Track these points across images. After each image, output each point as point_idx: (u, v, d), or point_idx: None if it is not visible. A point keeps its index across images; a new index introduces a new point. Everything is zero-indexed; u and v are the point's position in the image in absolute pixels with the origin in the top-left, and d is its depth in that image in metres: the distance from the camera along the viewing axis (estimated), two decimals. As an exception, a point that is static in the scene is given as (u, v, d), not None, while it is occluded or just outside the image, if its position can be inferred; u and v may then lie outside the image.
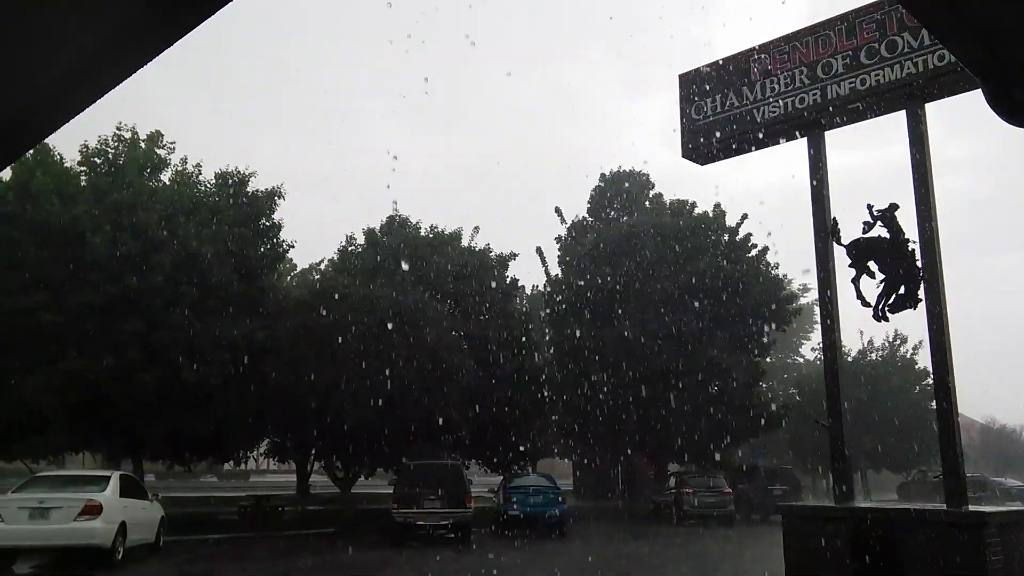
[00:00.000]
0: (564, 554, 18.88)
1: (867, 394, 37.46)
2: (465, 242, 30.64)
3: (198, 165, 25.14)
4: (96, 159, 23.37)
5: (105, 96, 1.65)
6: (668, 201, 35.48)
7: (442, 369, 24.15)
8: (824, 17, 13.15)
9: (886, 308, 11.66)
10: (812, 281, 14.82)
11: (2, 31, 1.44)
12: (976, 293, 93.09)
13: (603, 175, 39.79)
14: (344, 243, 31.04)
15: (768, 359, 36.73)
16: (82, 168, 23.31)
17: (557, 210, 37.50)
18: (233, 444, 27.37)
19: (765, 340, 32.10)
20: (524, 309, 32.28)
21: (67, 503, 14.31)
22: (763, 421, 30.89)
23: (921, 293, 11.37)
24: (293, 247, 26.74)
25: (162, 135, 24.26)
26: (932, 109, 12.71)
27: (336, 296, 24.18)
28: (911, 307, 11.61)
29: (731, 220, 32.35)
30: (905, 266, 11.57)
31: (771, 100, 13.01)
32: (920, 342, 39.55)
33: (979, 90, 2.11)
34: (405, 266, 26.85)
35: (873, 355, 43.74)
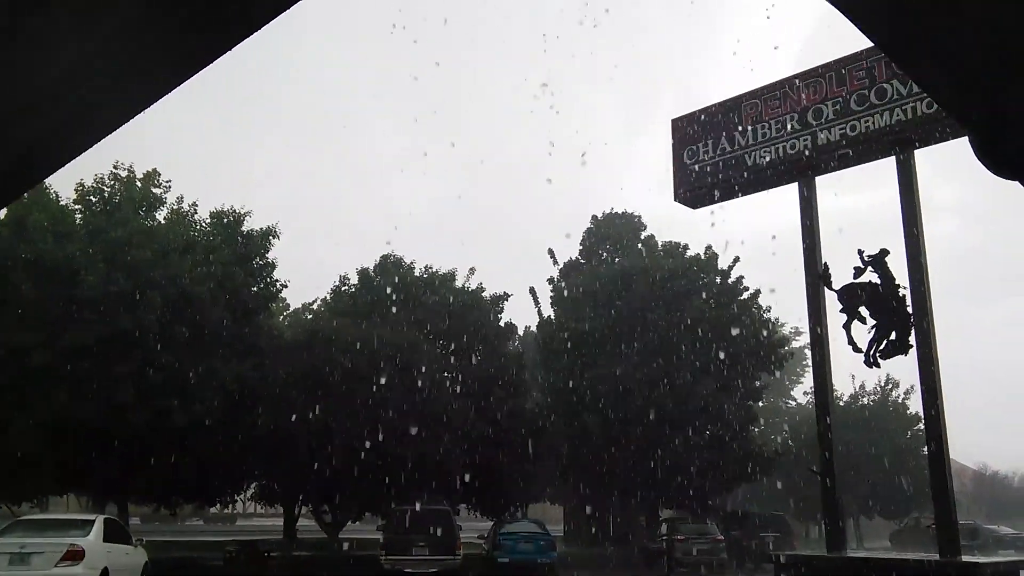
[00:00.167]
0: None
1: (859, 439, 37.31)
2: (460, 283, 30.66)
3: (194, 204, 25.24)
4: (92, 197, 23.42)
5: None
6: (660, 243, 35.63)
7: (434, 411, 24.00)
8: (815, 63, 13.43)
9: (877, 354, 11.71)
10: (804, 324, 14.99)
11: (8, 71, 1.45)
12: (966, 342, 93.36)
13: (595, 217, 39.97)
14: (337, 283, 31.03)
15: (760, 403, 36.61)
16: (77, 206, 23.35)
17: (550, 251, 37.60)
18: (221, 487, 27.01)
19: (757, 384, 32.06)
20: (518, 351, 32.19)
21: (49, 548, 14.05)
22: (754, 466, 30.68)
23: (912, 339, 11.43)
24: (287, 286, 26.74)
25: (159, 174, 24.38)
26: (923, 151, 12.93)
27: (329, 336, 24.10)
28: (902, 353, 11.66)
29: (723, 262, 32.48)
30: (896, 312, 11.64)
31: (762, 145, 13.17)
32: (912, 387, 39.53)
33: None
34: (394, 309, 26.81)
35: (865, 399, 43.67)
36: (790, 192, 13.05)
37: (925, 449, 14.84)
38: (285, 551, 27.18)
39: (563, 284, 35.99)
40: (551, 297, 36.03)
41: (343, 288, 30.77)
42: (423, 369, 24.09)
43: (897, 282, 11.67)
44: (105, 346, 20.77)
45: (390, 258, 30.73)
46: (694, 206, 14.43)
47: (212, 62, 1.58)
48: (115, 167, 23.75)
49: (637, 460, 28.56)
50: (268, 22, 1.54)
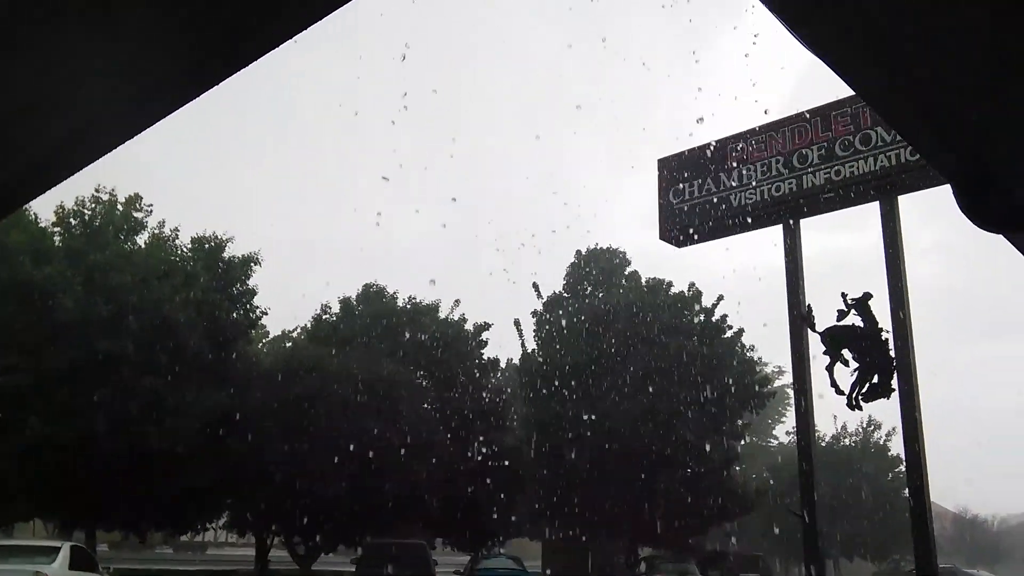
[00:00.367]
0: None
1: (841, 480, 37.24)
2: (443, 314, 30.53)
3: (175, 229, 25.04)
4: (72, 219, 23.20)
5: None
6: (644, 279, 35.67)
7: (413, 443, 23.75)
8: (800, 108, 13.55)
9: (860, 397, 11.68)
10: (787, 363, 14.99)
11: (10, 80, 1.39)
12: (948, 381, 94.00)
13: (579, 251, 40.03)
14: (319, 311, 30.81)
15: (743, 441, 36.50)
16: (56, 229, 23.11)
17: (534, 285, 37.55)
18: (194, 515, 26.53)
19: (740, 423, 31.97)
20: (501, 383, 32.02)
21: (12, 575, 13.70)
22: (735, 506, 30.49)
23: (894, 383, 11.41)
24: (267, 314, 26.51)
25: (140, 198, 24.20)
26: (909, 193, 13.02)
27: (308, 366, 23.87)
28: (884, 397, 11.63)
29: (707, 300, 32.51)
30: (878, 356, 11.63)
31: (748, 187, 13.23)
32: (893, 428, 39.61)
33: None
34: (376, 339, 26.65)
35: (847, 440, 43.67)
36: (775, 232, 13.13)
37: (906, 491, 14.77)
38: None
39: (548, 316, 35.92)
40: (534, 330, 35.93)
41: (324, 317, 30.56)
42: (403, 400, 23.88)
43: (880, 326, 11.69)
44: (81, 371, 20.45)
45: (373, 287, 30.60)
46: (679, 245, 14.46)
47: (221, 82, 1.52)
48: (97, 190, 23.58)
49: (617, 497, 28.30)
50: (283, 42, 1.48)
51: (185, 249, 25.17)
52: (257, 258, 25.65)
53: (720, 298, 32.41)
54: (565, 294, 39.41)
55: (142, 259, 23.05)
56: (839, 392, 12.18)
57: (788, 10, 1.45)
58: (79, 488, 21.22)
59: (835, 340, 12.08)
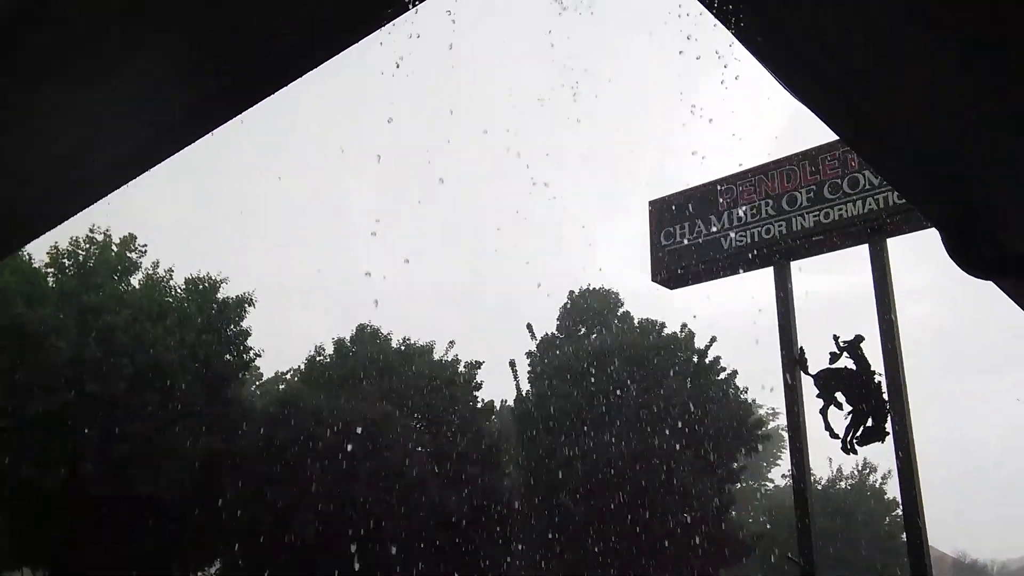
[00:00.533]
0: None
1: (837, 525, 36.90)
2: (438, 355, 30.45)
3: (170, 270, 25.05)
4: (65, 260, 23.20)
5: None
6: (637, 320, 35.69)
7: (406, 487, 23.49)
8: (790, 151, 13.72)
9: (854, 440, 11.65)
10: (780, 403, 14.93)
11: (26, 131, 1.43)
12: (942, 419, 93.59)
13: (571, 292, 40.13)
14: (313, 352, 30.68)
15: (738, 485, 36.23)
16: (50, 269, 23.09)
17: (528, 327, 37.54)
18: (183, 563, 26.09)
19: (735, 465, 31.74)
20: (495, 426, 31.82)
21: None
22: (731, 551, 30.14)
23: (888, 426, 11.39)
24: (260, 355, 26.40)
25: (135, 238, 24.26)
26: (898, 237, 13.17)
27: (300, 407, 23.69)
28: (879, 440, 11.60)
29: (700, 342, 32.48)
30: (872, 399, 11.62)
31: (738, 229, 13.34)
32: (889, 471, 39.30)
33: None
34: (369, 381, 26.50)
35: (843, 483, 43.34)
36: (766, 274, 13.21)
37: (904, 536, 14.63)
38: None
39: (542, 358, 35.83)
40: (528, 371, 35.82)
41: (318, 358, 30.43)
42: (397, 444, 23.69)
43: (873, 368, 11.71)
44: (71, 413, 20.27)
45: (367, 328, 30.53)
46: (672, 287, 14.53)
47: (222, 124, 1.57)
48: (91, 230, 23.64)
49: (612, 542, 27.95)
50: (280, 89, 1.53)
51: (179, 290, 25.15)
52: (251, 299, 25.63)
53: (713, 339, 32.40)
54: (558, 335, 39.39)
55: (136, 300, 23.01)
56: (833, 436, 12.14)
57: (770, 59, 1.51)
58: (66, 536, 20.90)
59: (828, 383, 12.08)
